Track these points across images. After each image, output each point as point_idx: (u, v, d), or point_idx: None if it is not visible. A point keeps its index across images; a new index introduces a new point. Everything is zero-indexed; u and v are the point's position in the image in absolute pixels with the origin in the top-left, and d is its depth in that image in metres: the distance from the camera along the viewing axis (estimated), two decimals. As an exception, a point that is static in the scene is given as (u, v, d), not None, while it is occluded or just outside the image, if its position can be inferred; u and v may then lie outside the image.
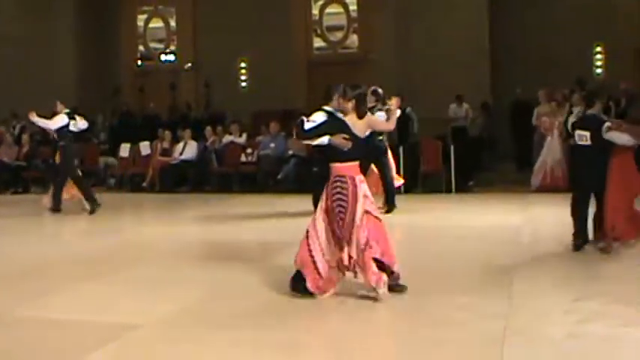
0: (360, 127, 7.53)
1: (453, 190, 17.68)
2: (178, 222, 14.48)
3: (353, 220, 7.33)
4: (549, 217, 13.49)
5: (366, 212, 7.35)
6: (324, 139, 7.56)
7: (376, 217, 7.47)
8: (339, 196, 7.41)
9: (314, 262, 7.39)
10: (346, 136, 7.41)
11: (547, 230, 12.10)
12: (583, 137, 9.77)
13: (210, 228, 13.71)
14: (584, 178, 9.94)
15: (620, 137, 9.48)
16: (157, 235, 13.04)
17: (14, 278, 9.14)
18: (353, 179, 7.44)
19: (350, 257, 7.38)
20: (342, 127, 7.50)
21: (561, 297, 7.27)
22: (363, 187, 7.46)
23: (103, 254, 10.84)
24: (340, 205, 7.39)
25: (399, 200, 14.36)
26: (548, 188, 16.86)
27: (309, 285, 7.41)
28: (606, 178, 9.52)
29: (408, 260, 9.69)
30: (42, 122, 16.10)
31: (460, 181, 17.94)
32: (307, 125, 7.81)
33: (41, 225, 14.77)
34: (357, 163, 7.52)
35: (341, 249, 7.43)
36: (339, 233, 7.40)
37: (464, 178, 18.15)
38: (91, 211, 15.36)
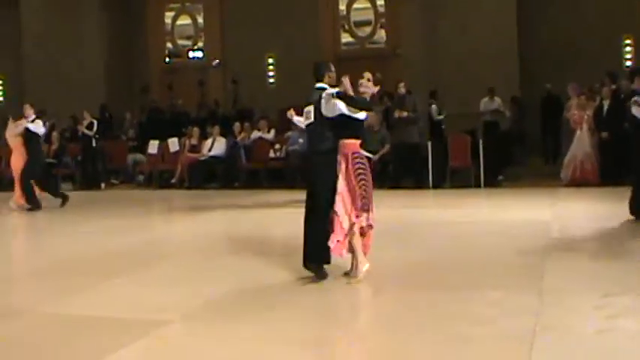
0: None
1: (482, 185, 17.57)
2: (207, 218, 14.51)
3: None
4: (579, 212, 13.45)
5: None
6: (361, 114, 8.36)
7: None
8: (361, 170, 8.10)
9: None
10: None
11: (577, 225, 12.04)
12: None
13: (238, 224, 13.74)
14: None
15: None
16: (185, 231, 13.10)
17: (47, 274, 9.22)
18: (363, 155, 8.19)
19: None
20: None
21: (592, 292, 7.22)
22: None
23: (133, 251, 10.89)
24: (363, 179, 8.04)
25: (428, 196, 14.31)
26: (578, 182, 16.78)
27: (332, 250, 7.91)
28: None
29: (438, 256, 9.68)
30: (33, 127, 16.26)
31: (489, 175, 17.83)
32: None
33: (71, 222, 14.84)
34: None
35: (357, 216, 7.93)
36: (362, 204, 7.92)
37: (494, 172, 18.04)
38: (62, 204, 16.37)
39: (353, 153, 8.12)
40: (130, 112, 24.31)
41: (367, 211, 8.02)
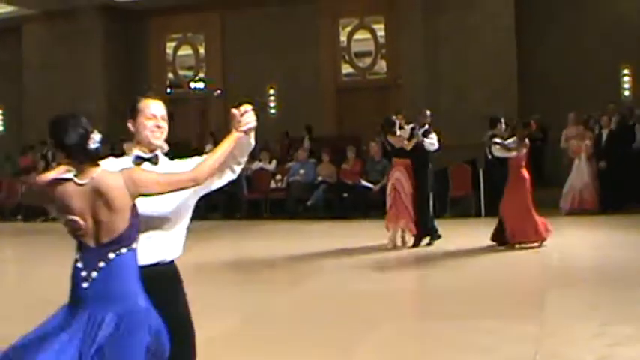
0: None
1: (483, 214, 17.59)
2: (209, 249, 14.53)
3: None
4: (579, 241, 13.49)
5: None
6: None
7: None
8: None
9: None
10: None
11: (576, 253, 12.09)
12: None
13: (240, 254, 13.77)
14: None
15: None
16: (187, 262, 13.09)
17: (49, 305, 9.24)
18: None
19: None
20: None
21: (591, 321, 7.26)
22: None
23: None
24: None
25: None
26: (577, 211, 16.82)
27: None
28: None
29: (438, 285, 9.72)
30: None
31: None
32: None
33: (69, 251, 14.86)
34: None
35: None
36: None
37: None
38: None
39: None
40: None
41: None
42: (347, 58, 24.58)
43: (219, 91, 25.38)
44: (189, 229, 4.52)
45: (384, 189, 18.07)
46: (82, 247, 4.05)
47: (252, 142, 4.57)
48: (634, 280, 9.50)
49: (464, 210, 18.03)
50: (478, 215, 17.51)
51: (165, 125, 4.49)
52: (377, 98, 23.47)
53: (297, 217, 18.84)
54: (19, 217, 21.95)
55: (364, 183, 18.73)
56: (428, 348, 6.79)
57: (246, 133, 4.45)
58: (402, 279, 10.23)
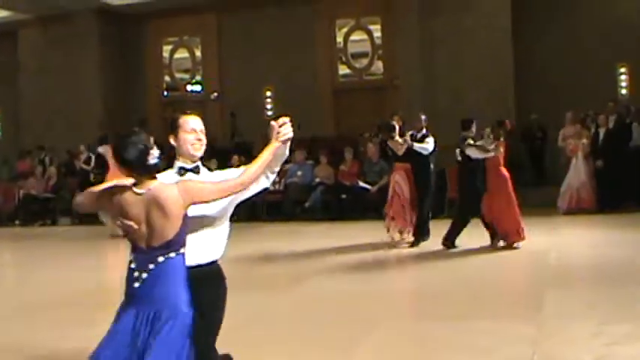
0: None
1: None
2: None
3: None
4: (576, 240, 13.50)
5: None
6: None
7: None
8: None
9: None
10: None
11: (574, 253, 12.08)
12: None
13: (238, 256, 13.75)
14: None
15: None
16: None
17: (47, 309, 9.23)
18: None
19: None
20: None
21: (589, 320, 7.26)
22: None
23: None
24: None
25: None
26: (574, 210, 16.83)
27: None
28: None
29: (435, 286, 9.72)
30: None
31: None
32: None
33: (71, 256, 14.87)
34: None
35: None
36: None
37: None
38: None
39: None
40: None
41: None
42: (344, 59, 24.58)
43: (216, 94, 25.39)
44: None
45: (381, 190, 18.16)
46: (135, 249, 4.49)
47: (287, 152, 5.11)
48: (632, 278, 9.50)
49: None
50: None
51: (204, 138, 4.90)
52: (374, 99, 23.47)
53: (295, 219, 18.82)
54: (17, 222, 21.92)
55: (362, 184, 18.72)
56: (426, 349, 6.79)
57: (283, 143, 4.98)
58: (401, 279, 10.23)
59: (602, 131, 17.34)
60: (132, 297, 4.46)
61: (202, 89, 26.19)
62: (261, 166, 4.84)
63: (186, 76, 26.74)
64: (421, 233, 13.22)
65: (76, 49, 25.06)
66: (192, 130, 4.85)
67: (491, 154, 12.51)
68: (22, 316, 9.15)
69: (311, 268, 11.35)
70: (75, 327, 8.04)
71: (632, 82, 21.81)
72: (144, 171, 4.44)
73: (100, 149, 18.55)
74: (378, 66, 24.38)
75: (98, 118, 24.77)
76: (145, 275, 4.41)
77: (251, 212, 19.84)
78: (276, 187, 20.16)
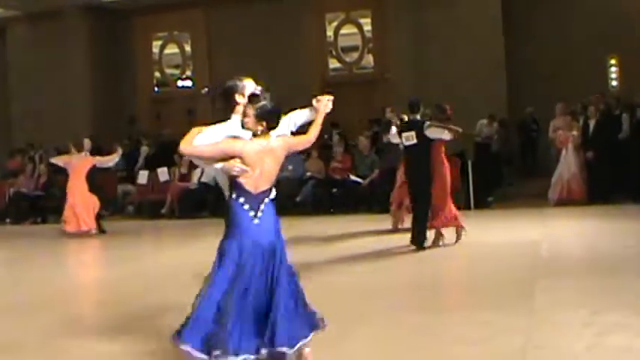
0: None
1: (472, 206, 17.59)
2: (198, 247, 14.47)
3: None
4: (568, 231, 13.52)
5: None
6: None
7: None
8: None
9: None
10: None
11: (566, 244, 12.10)
12: None
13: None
14: None
15: None
16: (176, 261, 13.06)
17: (38, 307, 9.21)
18: None
19: None
20: None
21: (581, 310, 7.27)
22: None
23: (122, 282, 10.89)
24: None
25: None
26: (565, 202, 16.86)
27: None
28: None
29: (428, 277, 9.72)
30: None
31: (480, 196, 17.86)
32: None
33: (61, 254, 14.84)
34: None
35: None
36: None
37: (484, 194, 18.08)
38: None
39: None
40: (121, 146, 24.14)
41: None
42: (334, 53, 24.56)
43: (206, 89, 25.33)
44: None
45: (372, 183, 18.17)
46: (243, 193, 5.63)
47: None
48: (622, 268, 9.52)
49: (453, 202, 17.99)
50: (467, 208, 17.44)
51: None
52: (364, 93, 23.46)
53: (286, 213, 18.67)
54: (8, 220, 21.84)
55: (353, 178, 18.71)
56: (418, 341, 6.78)
57: (327, 114, 6.23)
58: (392, 272, 10.21)
59: (592, 123, 17.35)
60: (251, 234, 5.59)
61: (193, 84, 26.12)
62: (318, 129, 6.10)
63: (177, 71, 26.69)
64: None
65: (64, 45, 25.00)
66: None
67: (449, 136, 12.17)
68: (14, 315, 9.12)
69: (302, 262, 11.31)
70: (66, 325, 8.02)
71: (621, 74, 21.86)
72: (274, 127, 5.79)
73: (52, 160, 18.77)
74: (369, 60, 24.36)
75: (88, 115, 24.71)
76: (260, 214, 5.61)
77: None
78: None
